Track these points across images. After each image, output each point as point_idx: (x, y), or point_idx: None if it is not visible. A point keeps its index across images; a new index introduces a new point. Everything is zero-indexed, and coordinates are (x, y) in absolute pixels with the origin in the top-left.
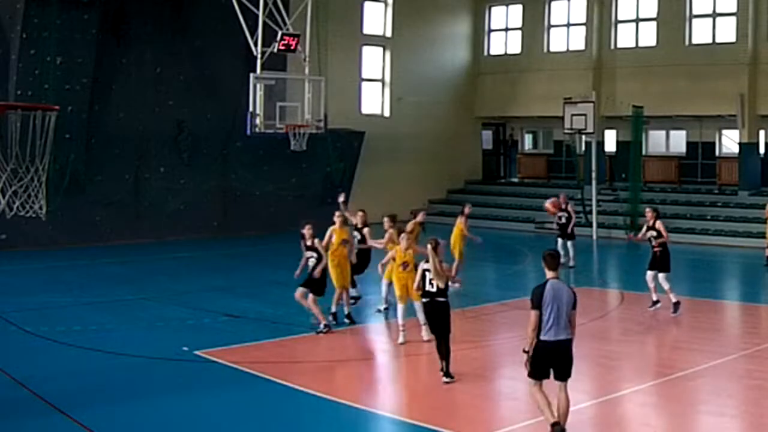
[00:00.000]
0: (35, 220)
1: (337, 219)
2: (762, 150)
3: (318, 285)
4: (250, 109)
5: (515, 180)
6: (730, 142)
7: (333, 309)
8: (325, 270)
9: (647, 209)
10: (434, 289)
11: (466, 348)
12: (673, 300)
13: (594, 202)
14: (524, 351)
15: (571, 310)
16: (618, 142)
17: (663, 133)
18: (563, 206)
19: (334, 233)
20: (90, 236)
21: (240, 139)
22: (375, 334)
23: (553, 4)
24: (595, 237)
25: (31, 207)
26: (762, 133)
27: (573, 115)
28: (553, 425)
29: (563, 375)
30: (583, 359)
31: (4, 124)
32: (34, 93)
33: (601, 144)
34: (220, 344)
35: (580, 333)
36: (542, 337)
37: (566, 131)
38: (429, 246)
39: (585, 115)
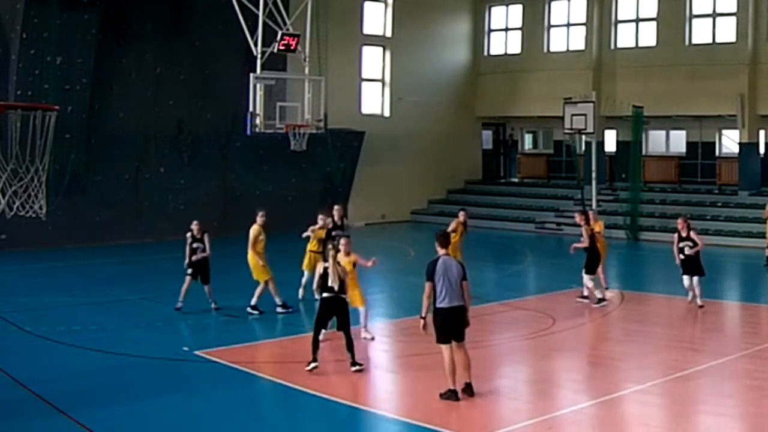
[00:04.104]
0: (35, 220)
1: (259, 217)
2: (762, 150)
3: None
4: (250, 109)
5: (515, 180)
6: (730, 142)
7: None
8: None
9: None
10: (336, 286)
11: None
12: (599, 296)
13: (594, 202)
14: (421, 317)
15: (462, 281)
16: (618, 142)
17: (663, 133)
18: (683, 234)
19: (259, 232)
20: (90, 236)
21: (240, 139)
22: (374, 333)
23: (553, 4)
24: None
25: (31, 207)
26: (762, 133)
27: (573, 115)
28: (452, 391)
29: (459, 336)
30: (583, 359)
31: (4, 124)
32: (34, 93)
33: (601, 144)
34: (220, 344)
35: (581, 333)
36: (438, 305)
37: (566, 131)
38: (329, 247)
39: (585, 115)
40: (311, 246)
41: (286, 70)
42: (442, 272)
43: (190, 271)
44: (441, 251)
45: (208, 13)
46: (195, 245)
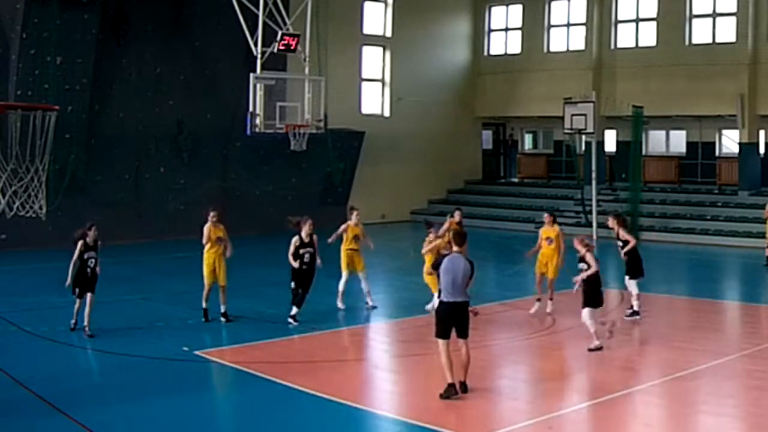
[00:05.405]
0: (35, 220)
1: (210, 218)
2: (762, 150)
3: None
4: (250, 109)
5: (515, 180)
6: (730, 142)
7: (204, 305)
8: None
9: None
10: None
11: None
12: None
13: (594, 202)
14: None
15: (468, 280)
16: (618, 142)
17: (663, 133)
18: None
19: (210, 231)
20: None
21: (240, 139)
22: (374, 333)
23: (553, 4)
24: (595, 237)
25: (31, 207)
26: (762, 133)
27: (573, 115)
28: (450, 385)
29: (463, 333)
30: (584, 359)
31: (4, 124)
32: (34, 93)
33: (601, 144)
34: (220, 344)
35: (580, 333)
36: (441, 298)
37: (566, 131)
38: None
39: (585, 115)
40: (348, 245)
41: (286, 70)
42: (449, 267)
43: (77, 291)
44: (455, 248)
45: (208, 13)
46: (87, 254)
